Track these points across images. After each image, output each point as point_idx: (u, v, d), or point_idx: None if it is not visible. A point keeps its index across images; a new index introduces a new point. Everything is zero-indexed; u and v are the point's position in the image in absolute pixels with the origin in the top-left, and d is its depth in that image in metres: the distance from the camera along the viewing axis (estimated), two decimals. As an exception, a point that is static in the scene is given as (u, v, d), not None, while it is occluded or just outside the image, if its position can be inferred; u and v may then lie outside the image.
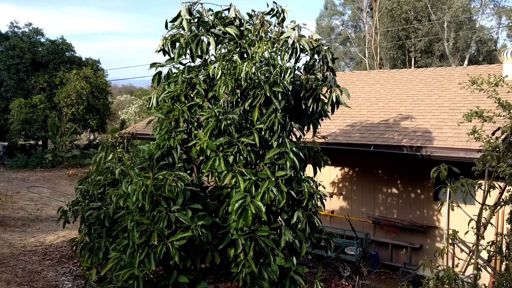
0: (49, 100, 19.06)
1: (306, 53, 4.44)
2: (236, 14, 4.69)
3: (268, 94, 4.03)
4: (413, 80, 9.82)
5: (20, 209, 10.55)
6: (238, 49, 4.58)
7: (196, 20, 4.62)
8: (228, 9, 4.73)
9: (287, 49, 4.28)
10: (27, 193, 12.91)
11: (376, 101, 8.88)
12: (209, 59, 4.78)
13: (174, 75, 4.74)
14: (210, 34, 4.52)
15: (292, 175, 4.24)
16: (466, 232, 3.92)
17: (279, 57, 4.30)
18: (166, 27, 4.71)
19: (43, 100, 18.74)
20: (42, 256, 6.82)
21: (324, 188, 4.81)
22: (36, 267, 6.30)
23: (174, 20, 4.63)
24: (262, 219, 4.01)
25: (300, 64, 4.59)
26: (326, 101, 4.60)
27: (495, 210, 4.44)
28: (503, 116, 4.83)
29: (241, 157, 4.19)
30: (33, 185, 14.42)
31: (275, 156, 4.28)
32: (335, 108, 4.66)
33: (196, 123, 4.52)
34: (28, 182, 15.08)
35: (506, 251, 4.09)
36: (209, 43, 4.54)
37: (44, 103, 18.72)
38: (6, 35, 20.16)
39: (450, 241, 4.16)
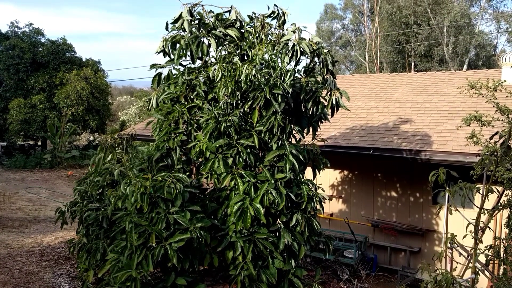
0: (48, 101, 19.04)
1: (306, 55, 4.46)
2: (237, 16, 4.70)
3: (268, 97, 4.04)
4: (412, 84, 9.85)
5: (18, 210, 10.52)
6: (239, 51, 4.59)
7: (196, 21, 4.63)
8: (229, 11, 4.75)
9: (287, 52, 4.29)
10: (26, 193, 12.87)
11: (376, 104, 8.90)
12: (209, 61, 4.79)
13: (174, 76, 4.74)
14: (210, 35, 4.53)
15: (292, 177, 4.24)
16: (465, 236, 3.93)
17: (279, 59, 4.31)
18: (167, 28, 4.72)
19: (43, 101, 18.72)
20: (39, 257, 6.79)
21: (324, 191, 4.81)
22: (33, 268, 6.27)
23: (175, 21, 4.64)
24: (261, 222, 4.01)
25: (300, 66, 4.61)
26: (326, 104, 4.61)
27: (493, 214, 4.45)
28: (502, 120, 4.85)
29: (240, 159, 4.19)
30: (32, 185, 14.38)
31: (275, 159, 4.28)
32: (335, 111, 4.67)
33: (195, 125, 4.52)
34: (26, 182, 15.03)
35: (504, 255, 4.09)
36: (209, 45, 4.55)
37: (43, 103, 18.70)
38: (6, 35, 20.15)
39: (448, 244, 4.16)
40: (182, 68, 4.77)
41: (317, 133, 4.90)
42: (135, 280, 3.54)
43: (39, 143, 21.73)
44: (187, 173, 4.59)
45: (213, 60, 4.77)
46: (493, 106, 4.87)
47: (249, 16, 4.71)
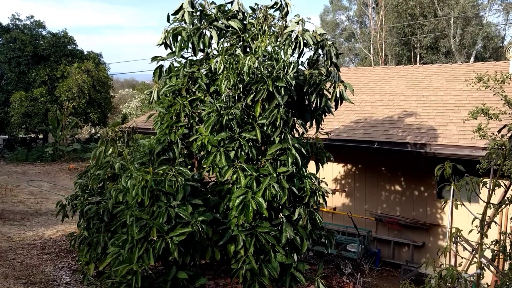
0: (50, 94, 19.01)
1: (310, 47, 4.36)
2: (239, 8, 4.61)
3: (270, 89, 3.96)
4: (418, 76, 9.72)
5: (19, 203, 10.55)
6: (241, 43, 4.50)
7: (198, 13, 4.55)
8: (231, 2, 4.66)
9: (290, 44, 4.20)
10: (27, 186, 12.90)
11: (380, 97, 8.79)
12: (211, 53, 4.71)
13: (176, 69, 4.67)
14: (212, 27, 4.44)
15: (294, 171, 4.18)
16: (470, 231, 3.87)
17: (282, 51, 4.22)
18: (168, 20, 4.64)
19: (44, 94, 18.69)
20: (40, 250, 6.79)
21: (327, 184, 4.76)
22: (34, 261, 6.27)
23: (176, 13, 4.56)
24: (263, 215, 3.96)
25: (303, 58, 4.52)
26: (329, 96, 4.53)
27: (500, 209, 4.38)
28: (509, 113, 4.75)
29: (242, 152, 4.13)
30: (33, 178, 14.42)
31: (277, 152, 4.21)
32: (339, 104, 4.59)
33: (197, 118, 4.45)
34: (28, 175, 15.07)
35: (510, 250, 4.03)
36: (211, 37, 4.46)
37: (45, 96, 18.66)
38: (7, 28, 20.08)
39: (453, 239, 4.11)
40: (183, 61, 4.70)
41: (320, 126, 4.83)
42: (136, 273, 3.52)
43: (41, 136, 21.76)
44: (189, 167, 4.54)
45: (215, 52, 4.69)
46: (501, 99, 4.77)
47: (251, 7, 4.62)
